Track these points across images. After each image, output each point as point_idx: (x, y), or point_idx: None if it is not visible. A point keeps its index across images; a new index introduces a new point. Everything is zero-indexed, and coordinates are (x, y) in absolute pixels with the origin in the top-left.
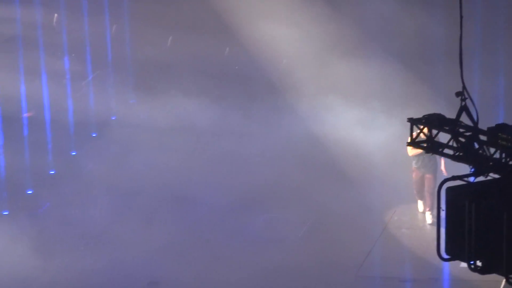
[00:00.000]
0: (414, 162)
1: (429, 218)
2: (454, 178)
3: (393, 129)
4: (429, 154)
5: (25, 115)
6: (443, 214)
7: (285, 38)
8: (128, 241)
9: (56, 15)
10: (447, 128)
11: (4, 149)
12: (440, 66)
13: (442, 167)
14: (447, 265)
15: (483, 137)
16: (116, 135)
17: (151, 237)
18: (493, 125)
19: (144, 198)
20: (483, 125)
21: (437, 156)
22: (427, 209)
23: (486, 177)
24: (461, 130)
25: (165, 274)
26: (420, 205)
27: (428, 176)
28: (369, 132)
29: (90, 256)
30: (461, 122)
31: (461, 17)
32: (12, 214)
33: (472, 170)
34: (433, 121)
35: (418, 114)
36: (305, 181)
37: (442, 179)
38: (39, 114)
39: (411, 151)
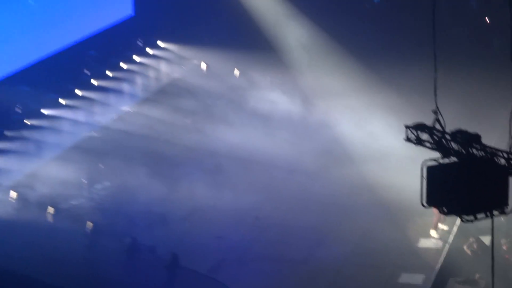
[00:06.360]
0: None
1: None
2: (431, 160)
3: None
4: None
5: None
6: (424, 182)
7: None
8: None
9: None
10: (427, 131)
11: None
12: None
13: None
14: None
15: (448, 137)
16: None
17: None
18: (454, 130)
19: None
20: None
21: None
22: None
23: (449, 160)
24: (436, 132)
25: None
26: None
27: None
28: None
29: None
30: (435, 128)
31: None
32: None
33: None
34: (419, 127)
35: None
36: None
37: None
38: None
39: None
